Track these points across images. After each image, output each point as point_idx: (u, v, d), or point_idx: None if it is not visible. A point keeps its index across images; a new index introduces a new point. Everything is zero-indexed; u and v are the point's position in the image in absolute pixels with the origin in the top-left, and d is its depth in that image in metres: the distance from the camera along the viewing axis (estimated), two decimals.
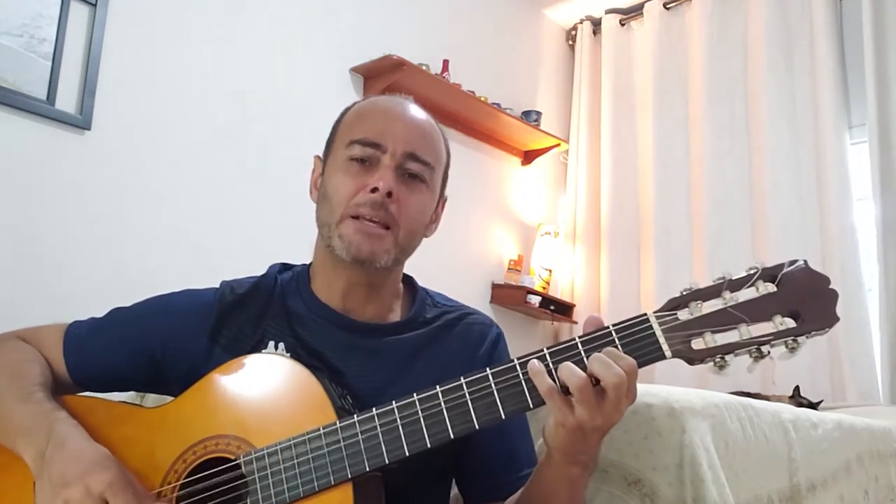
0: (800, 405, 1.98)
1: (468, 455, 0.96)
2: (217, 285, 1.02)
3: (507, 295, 3.23)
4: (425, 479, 0.95)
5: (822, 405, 2.11)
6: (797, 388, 2.20)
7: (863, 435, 1.54)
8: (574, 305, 3.40)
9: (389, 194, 0.92)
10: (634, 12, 3.52)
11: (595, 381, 0.73)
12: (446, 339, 0.99)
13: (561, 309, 3.30)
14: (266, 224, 2.51)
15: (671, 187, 3.21)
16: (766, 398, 1.93)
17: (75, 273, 2.08)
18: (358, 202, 0.92)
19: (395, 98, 1.03)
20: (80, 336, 0.98)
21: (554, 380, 0.75)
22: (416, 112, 1.01)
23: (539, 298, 3.19)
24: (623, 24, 3.57)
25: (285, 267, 1.06)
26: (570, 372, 0.74)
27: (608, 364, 0.73)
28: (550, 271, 3.42)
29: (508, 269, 3.32)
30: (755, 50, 3.04)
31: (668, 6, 3.38)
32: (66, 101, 2.10)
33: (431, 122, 1.02)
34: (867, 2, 2.72)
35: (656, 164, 3.24)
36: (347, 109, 1.03)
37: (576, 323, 3.37)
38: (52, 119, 2.07)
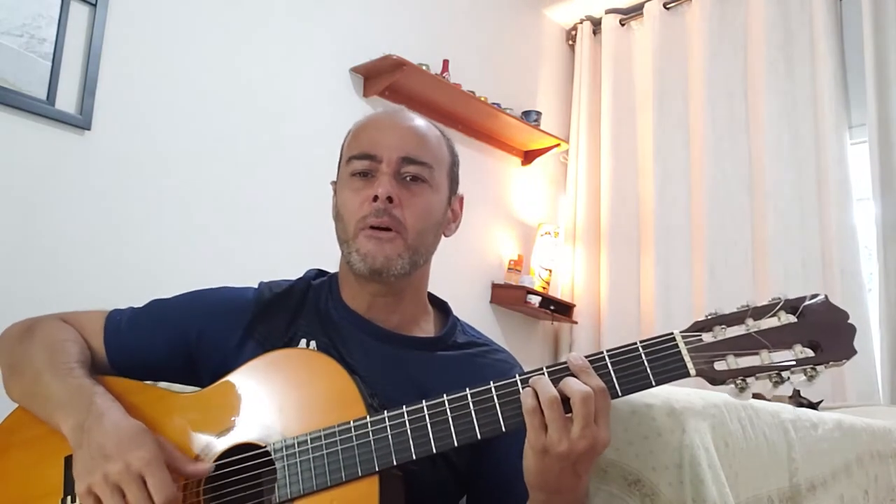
0: (800, 405, 1.98)
1: (481, 480, 0.98)
2: (254, 285, 1.06)
3: (507, 295, 3.23)
4: (438, 497, 0.96)
5: (822, 405, 2.10)
6: (797, 389, 2.20)
7: (863, 435, 1.54)
8: (574, 305, 3.40)
9: (391, 199, 0.95)
10: (634, 12, 3.52)
11: (566, 402, 0.75)
12: (472, 366, 1.00)
13: (561, 309, 3.30)
14: (266, 223, 2.51)
15: (671, 188, 3.21)
16: (766, 398, 1.92)
17: (75, 273, 2.08)
18: (364, 214, 0.96)
19: (388, 110, 1.08)
20: (120, 322, 1.02)
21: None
22: (409, 117, 1.04)
23: (539, 298, 3.19)
24: (623, 24, 3.57)
25: (320, 273, 1.09)
26: (542, 387, 0.76)
27: (576, 381, 0.75)
28: (550, 271, 3.42)
29: (508, 269, 3.32)
30: (755, 50, 3.04)
31: (668, 6, 3.38)
32: (66, 101, 2.10)
33: (427, 125, 1.04)
34: (867, 2, 2.72)
35: (656, 164, 3.24)
36: (349, 133, 1.07)
37: (576, 323, 3.37)
38: (52, 119, 2.07)
